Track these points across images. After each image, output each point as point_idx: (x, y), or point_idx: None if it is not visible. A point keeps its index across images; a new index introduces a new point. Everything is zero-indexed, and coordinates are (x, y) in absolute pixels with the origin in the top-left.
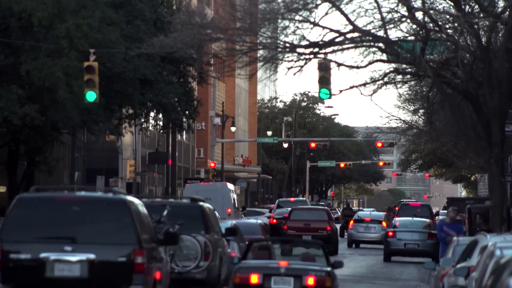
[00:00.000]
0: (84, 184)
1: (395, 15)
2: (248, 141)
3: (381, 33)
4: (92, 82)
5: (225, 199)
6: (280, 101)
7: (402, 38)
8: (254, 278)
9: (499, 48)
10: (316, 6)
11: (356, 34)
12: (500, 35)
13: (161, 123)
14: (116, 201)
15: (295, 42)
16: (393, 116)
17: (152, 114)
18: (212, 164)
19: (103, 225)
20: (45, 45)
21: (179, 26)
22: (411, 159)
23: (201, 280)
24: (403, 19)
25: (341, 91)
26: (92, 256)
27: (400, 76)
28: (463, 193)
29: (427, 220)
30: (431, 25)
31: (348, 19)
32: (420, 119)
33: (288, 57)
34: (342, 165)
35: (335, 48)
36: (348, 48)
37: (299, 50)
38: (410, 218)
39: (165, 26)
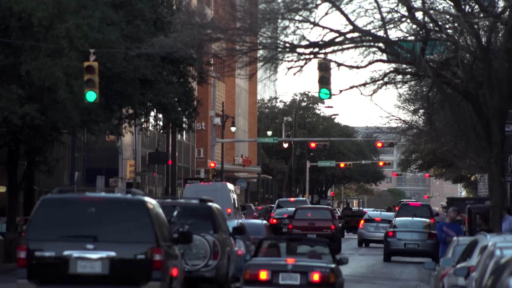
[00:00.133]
0: (84, 184)
1: (395, 15)
2: (248, 141)
3: (381, 33)
4: (92, 82)
5: (225, 199)
6: (280, 101)
7: (402, 38)
8: (263, 274)
9: (499, 48)
10: (316, 6)
11: (356, 34)
12: (500, 35)
13: (161, 123)
14: (135, 201)
15: (295, 42)
16: (393, 116)
17: (152, 114)
18: (212, 164)
19: (123, 225)
20: (45, 45)
21: (179, 26)
22: (411, 159)
23: (210, 278)
24: (403, 19)
25: (341, 91)
26: (112, 253)
27: (400, 76)
28: (463, 193)
29: (427, 220)
30: (431, 25)
31: (348, 19)
32: (420, 119)
33: (288, 57)
34: (342, 165)
35: (335, 48)
36: (348, 48)
37: (299, 50)
38: (410, 218)
39: (165, 26)
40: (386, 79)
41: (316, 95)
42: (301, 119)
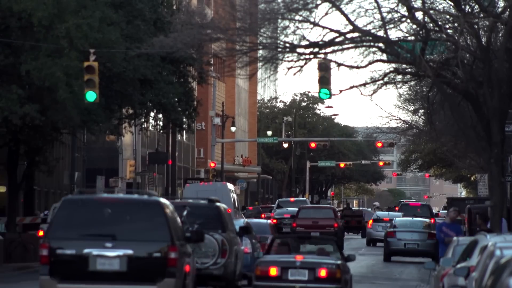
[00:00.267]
0: (84, 184)
1: (395, 15)
2: (248, 141)
3: (381, 33)
4: (92, 82)
5: (225, 199)
6: (280, 101)
7: (402, 38)
8: (273, 271)
9: (499, 48)
10: (316, 6)
11: (356, 34)
12: (500, 35)
13: (161, 123)
14: (151, 202)
15: (295, 42)
16: (393, 116)
17: (152, 114)
18: (212, 164)
19: (139, 224)
20: (45, 45)
21: (179, 26)
22: (411, 159)
23: (218, 276)
24: (403, 19)
25: (341, 91)
26: (130, 251)
27: (400, 76)
28: (463, 193)
29: (427, 220)
30: (431, 25)
31: (348, 19)
32: (420, 119)
33: (288, 57)
34: (342, 165)
35: (335, 48)
36: (348, 48)
37: (299, 50)
38: (410, 218)
39: (165, 26)
40: (386, 79)
41: (316, 95)
42: (301, 119)
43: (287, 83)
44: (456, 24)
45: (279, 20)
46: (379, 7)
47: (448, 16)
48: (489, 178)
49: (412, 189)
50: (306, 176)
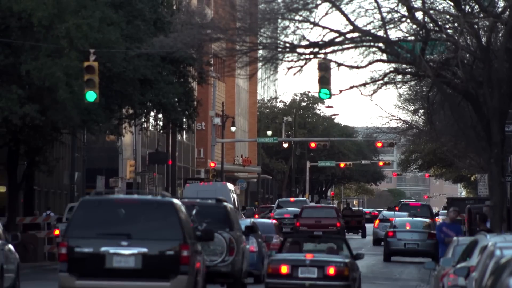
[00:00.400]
0: (84, 184)
1: (395, 15)
2: (248, 141)
3: (381, 33)
4: (92, 82)
5: (225, 199)
6: (280, 101)
7: (402, 38)
8: (284, 269)
9: (499, 48)
10: (316, 6)
11: (356, 34)
12: (500, 35)
13: (161, 123)
14: (165, 203)
15: (295, 42)
16: (393, 116)
17: (152, 114)
18: (212, 164)
19: (154, 223)
20: (45, 45)
21: (179, 26)
22: (411, 159)
23: (226, 273)
24: (403, 19)
25: (341, 91)
26: (144, 250)
27: (400, 76)
28: (463, 193)
29: (427, 220)
30: (431, 25)
31: (348, 19)
32: (420, 119)
33: (288, 57)
34: (342, 165)
35: (335, 48)
36: (348, 48)
37: (299, 50)
38: (410, 218)
39: (165, 26)
40: (386, 79)
41: (316, 95)
42: (301, 119)
43: (287, 83)
44: (456, 24)
45: (279, 20)
46: (379, 7)
47: (448, 16)
48: (489, 178)
49: (412, 189)
50: (306, 176)
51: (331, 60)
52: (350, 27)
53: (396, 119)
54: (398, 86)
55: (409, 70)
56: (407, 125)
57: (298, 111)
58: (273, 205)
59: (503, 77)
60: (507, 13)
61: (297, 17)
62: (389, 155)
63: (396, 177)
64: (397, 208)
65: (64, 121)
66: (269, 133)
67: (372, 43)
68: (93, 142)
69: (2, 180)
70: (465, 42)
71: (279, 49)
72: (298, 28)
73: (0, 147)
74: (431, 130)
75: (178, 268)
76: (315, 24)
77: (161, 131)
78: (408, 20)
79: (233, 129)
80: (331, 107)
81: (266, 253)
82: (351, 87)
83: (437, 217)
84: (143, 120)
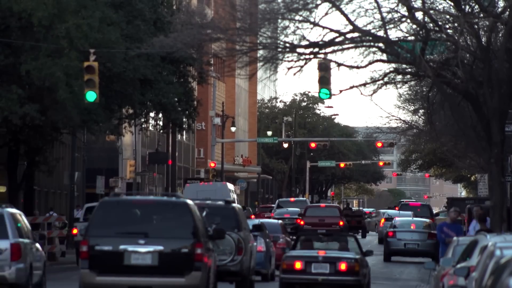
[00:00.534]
0: (84, 184)
1: (395, 15)
2: (248, 141)
3: (381, 33)
4: (92, 82)
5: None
6: (280, 101)
7: (402, 38)
8: (298, 265)
9: (499, 48)
10: (316, 6)
11: (356, 34)
12: (500, 35)
13: (161, 123)
14: (180, 203)
15: (295, 42)
16: (393, 116)
17: (152, 114)
18: (212, 164)
19: (169, 223)
20: (45, 45)
21: (179, 26)
22: (411, 159)
23: (235, 272)
24: (403, 19)
25: (341, 91)
26: (161, 248)
27: (400, 76)
28: (463, 193)
29: (427, 220)
30: (431, 25)
31: (348, 19)
32: (420, 119)
33: (288, 57)
34: (342, 165)
35: (335, 48)
36: (348, 48)
37: (299, 50)
38: (410, 218)
39: (165, 26)
40: (386, 79)
41: (316, 95)
42: (301, 119)
43: (287, 83)
44: (456, 24)
45: (279, 20)
46: (379, 7)
47: (448, 16)
48: (489, 178)
49: (412, 189)
50: (306, 176)
51: (331, 60)
52: (350, 27)
53: (396, 119)
54: (398, 86)
55: (409, 70)
56: (407, 125)
57: (298, 111)
58: (273, 205)
59: (503, 77)
60: (507, 13)
61: (297, 17)
62: (389, 155)
63: (396, 177)
64: (397, 208)
65: (64, 121)
66: (269, 133)
67: (372, 43)
68: (93, 142)
69: (2, 180)
70: (465, 42)
71: (279, 49)
72: (298, 28)
73: (0, 147)
74: (431, 130)
75: (192, 264)
76: (315, 24)
77: (161, 131)
78: (408, 20)
79: (233, 129)
80: (331, 107)
81: (273, 252)
82: (351, 87)
83: (437, 216)
84: (143, 120)
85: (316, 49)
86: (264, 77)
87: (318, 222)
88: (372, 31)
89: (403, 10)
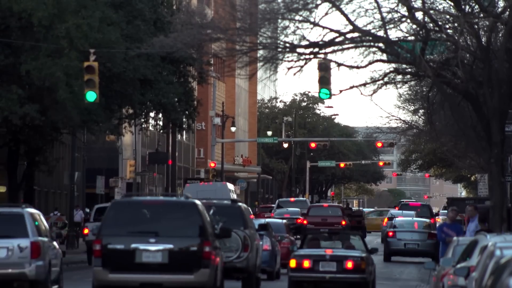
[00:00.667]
0: (84, 184)
1: (395, 15)
2: (248, 141)
3: (381, 33)
4: (92, 82)
5: (225, 199)
6: (280, 101)
7: (402, 38)
8: (306, 263)
9: (499, 48)
10: (316, 6)
11: (356, 34)
12: (500, 35)
13: (161, 123)
14: (189, 203)
15: (295, 42)
16: (393, 116)
17: (152, 114)
18: (212, 164)
19: (178, 222)
20: (45, 45)
21: (179, 26)
22: (411, 159)
23: (241, 268)
24: (403, 19)
25: (341, 91)
26: (170, 246)
27: (400, 76)
28: (463, 193)
29: (427, 220)
30: (431, 25)
31: (348, 19)
32: (420, 119)
33: (288, 57)
34: (342, 165)
35: (335, 48)
36: (348, 48)
37: (299, 50)
38: (410, 218)
39: (165, 26)
40: (386, 79)
41: (316, 95)
42: (301, 119)
43: (287, 83)
44: (456, 24)
45: (279, 20)
46: (379, 7)
47: (448, 16)
48: (489, 178)
49: (412, 189)
50: (306, 176)
51: (331, 60)
52: (350, 27)
53: (396, 119)
54: (398, 86)
55: (409, 70)
56: (407, 125)
57: (298, 111)
58: (273, 205)
59: (503, 77)
60: (507, 13)
61: (297, 17)
62: (389, 155)
63: (396, 177)
64: (397, 208)
65: (64, 121)
66: (269, 133)
67: (372, 43)
68: (93, 142)
69: (2, 180)
70: (465, 42)
71: (279, 49)
72: (298, 28)
73: (0, 147)
74: (431, 130)
75: (201, 262)
76: (315, 24)
77: (161, 131)
78: (408, 20)
79: (233, 129)
80: (331, 107)
81: (278, 251)
82: (351, 87)
83: (437, 217)
84: (143, 120)
85: (316, 49)
86: (264, 77)
87: (321, 221)
88: (372, 31)
89: (403, 10)
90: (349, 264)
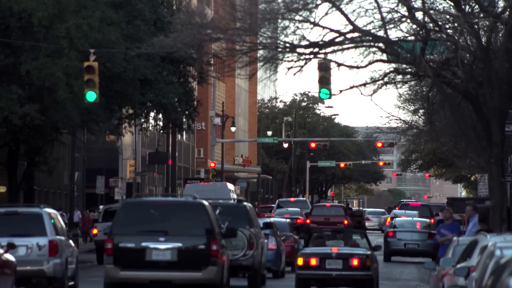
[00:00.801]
0: (84, 184)
1: (395, 15)
2: (248, 141)
3: (381, 33)
4: (92, 82)
5: (225, 199)
6: (280, 101)
7: (402, 38)
8: (313, 261)
9: (499, 48)
10: (316, 6)
11: (356, 34)
12: (500, 35)
13: (161, 123)
14: (197, 204)
15: (295, 42)
16: (393, 116)
17: (152, 114)
18: (212, 164)
19: (187, 222)
20: (45, 45)
21: (179, 26)
22: (411, 159)
23: (247, 266)
24: (403, 19)
25: (341, 91)
26: (179, 244)
27: (400, 76)
28: (463, 193)
29: (427, 220)
30: (431, 25)
31: (348, 19)
32: (420, 119)
33: (288, 57)
34: (342, 165)
35: (335, 48)
36: (348, 48)
37: (299, 50)
38: (410, 218)
39: (165, 26)
40: (386, 79)
41: (316, 95)
42: (301, 119)
43: (287, 83)
44: (456, 24)
45: (279, 20)
46: (379, 7)
47: (448, 16)
48: (489, 178)
49: (412, 189)
50: (306, 176)
51: (331, 60)
52: (350, 27)
53: (396, 119)
54: (398, 86)
55: (409, 70)
56: (407, 125)
57: (298, 111)
58: (273, 205)
59: (503, 77)
60: (507, 13)
61: (297, 17)
62: (389, 155)
63: (396, 177)
64: (397, 208)
65: (64, 121)
66: (269, 133)
67: (372, 43)
68: (93, 142)
69: (2, 180)
70: (465, 42)
71: (279, 49)
72: (298, 28)
73: (0, 147)
74: (431, 130)
75: (208, 260)
76: (315, 24)
77: (161, 131)
78: (408, 20)
79: (233, 129)
80: (331, 107)
81: (283, 250)
82: (351, 87)
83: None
84: (143, 120)
85: (316, 49)
86: (264, 77)
87: (323, 220)
88: (372, 31)
89: (403, 10)
90: (355, 262)
